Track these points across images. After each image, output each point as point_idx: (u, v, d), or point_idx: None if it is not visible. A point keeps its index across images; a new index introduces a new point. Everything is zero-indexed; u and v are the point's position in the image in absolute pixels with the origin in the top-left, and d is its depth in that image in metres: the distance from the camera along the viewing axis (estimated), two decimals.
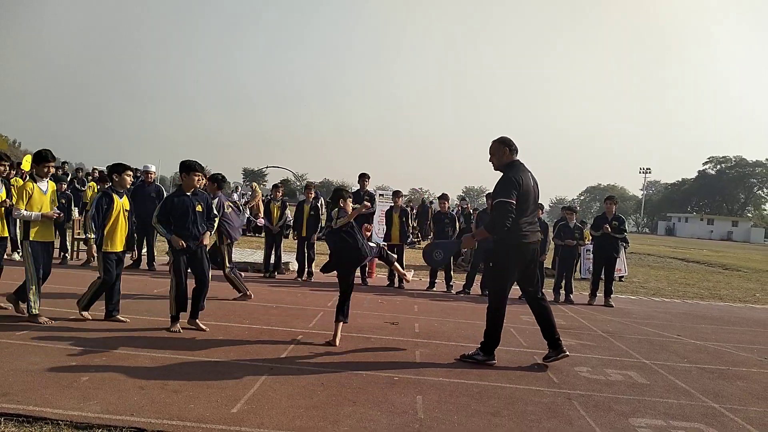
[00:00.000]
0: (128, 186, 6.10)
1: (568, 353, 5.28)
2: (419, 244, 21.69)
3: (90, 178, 17.45)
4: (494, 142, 5.37)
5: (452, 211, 11.58)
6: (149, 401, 3.69)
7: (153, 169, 10.73)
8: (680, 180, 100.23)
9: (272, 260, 10.59)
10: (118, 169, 6.00)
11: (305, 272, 10.29)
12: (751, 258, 29.75)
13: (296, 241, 10.67)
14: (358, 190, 10.55)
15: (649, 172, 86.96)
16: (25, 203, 5.56)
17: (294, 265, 11.15)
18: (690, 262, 23.36)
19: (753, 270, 20.68)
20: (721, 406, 4.45)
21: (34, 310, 5.61)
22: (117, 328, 5.54)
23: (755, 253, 36.53)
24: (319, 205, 10.59)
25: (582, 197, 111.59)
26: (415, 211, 19.75)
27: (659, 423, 3.98)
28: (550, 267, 11.80)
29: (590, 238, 10.49)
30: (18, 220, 5.75)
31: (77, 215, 11.56)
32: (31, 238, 5.61)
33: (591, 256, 11.16)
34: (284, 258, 11.12)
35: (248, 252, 13.18)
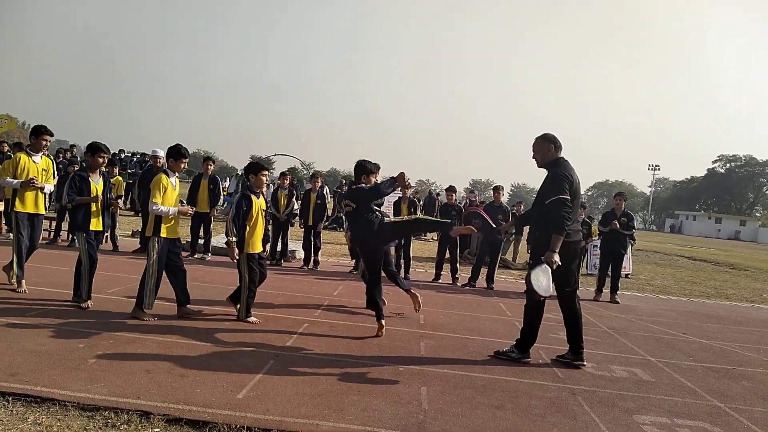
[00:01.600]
0: (264, 186, 5.95)
1: (585, 364, 5.13)
2: (425, 236, 21.69)
3: None
4: (538, 138, 5.22)
5: (459, 203, 11.55)
6: (156, 385, 3.71)
7: (161, 154, 10.73)
8: (689, 178, 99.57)
9: (279, 248, 10.62)
10: (254, 169, 5.86)
11: (311, 261, 10.32)
12: (758, 258, 29.58)
13: (303, 229, 10.68)
14: None
15: (658, 169, 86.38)
16: (161, 197, 5.49)
17: (300, 254, 11.17)
18: (697, 260, 23.26)
19: (760, 270, 20.57)
20: (726, 406, 4.43)
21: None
22: (124, 312, 5.56)
23: (763, 253, 36.32)
24: (325, 193, 10.59)
25: (590, 192, 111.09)
26: (421, 202, 19.71)
27: (664, 421, 3.97)
28: None
29: (597, 233, 10.46)
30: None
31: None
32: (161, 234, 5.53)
33: (598, 251, 11.13)
34: (291, 246, 11.14)
35: None
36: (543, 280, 4.92)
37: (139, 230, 10.83)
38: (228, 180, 25.91)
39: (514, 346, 5.26)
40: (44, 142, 6.10)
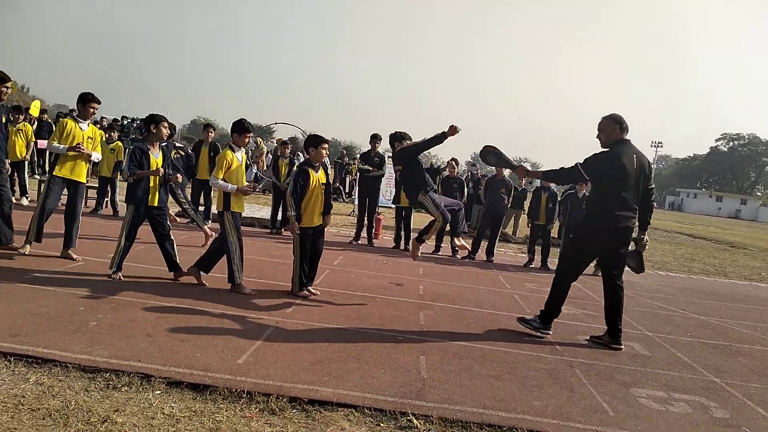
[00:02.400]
0: (323, 159, 5.78)
1: (623, 347, 5.05)
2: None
3: (98, 126, 17.41)
4: (604, 118, 5.09)
5: (461, 176, 11.50)
6: (157, 348, 3.73)
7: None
8: (691, 155, 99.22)
9: (279, 217, 10.61)
10: (314, 141, 5.68)
11: None
12: (758, 237, 29.63)
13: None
14: (368, 151, 10.48)
15: (661, 146, 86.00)
16: (223, 172, 5.44)
17: None
18: (696, 238, 23.29)
19: (759, 249, 20.62)
20: (723, 381, 4.47)
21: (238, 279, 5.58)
22: (125, 276, 5.56)
23: (763, 232, 36.37)
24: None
25: None
26: None
27: (660, 394, 4.00)
28: (556, 237, 11.76)
29: None
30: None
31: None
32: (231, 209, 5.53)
33: None
34: None
35: (256, 208, 13.20)
36: (495, 159, 5.69)
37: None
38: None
39: (537, 317, 5.26)
40: (91, 110, 6.01)
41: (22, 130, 10.24)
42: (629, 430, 3.34)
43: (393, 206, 12.53)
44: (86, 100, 5.96)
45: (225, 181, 5.46)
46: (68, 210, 6.07)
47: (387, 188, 17.07)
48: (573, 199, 9.79)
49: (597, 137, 5.16)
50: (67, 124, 5.94)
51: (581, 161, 5.06)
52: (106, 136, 11.02)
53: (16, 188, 10.51)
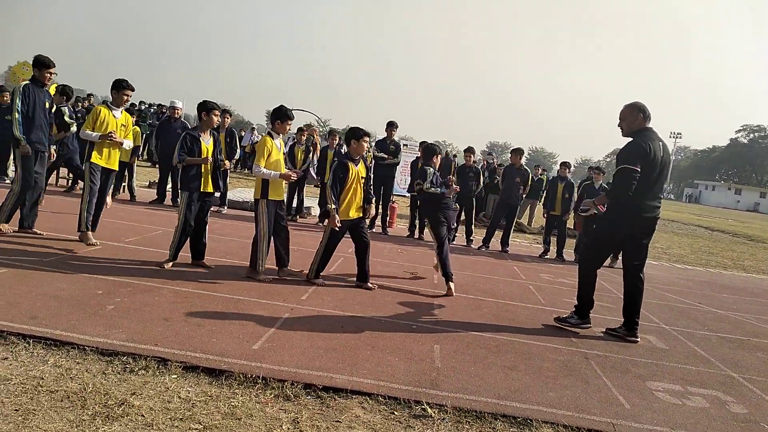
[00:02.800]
0: (363, 152, 5.74)
1: (639, 340, 5.00)
2: None
3: None
4: (626, 106, 4.99)
5: (477, 165, 11.44)
6: (173, 333, 3.76)
7: (179, 105, 10.71)
8: (710, 147, 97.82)
9: (294, 203, 10.64)
10: (357, 135, 5.65)
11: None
12: None
13: (319, 186, 10.67)
14: (384, 138, 10.44)
15: (680, 137, 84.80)
16: (265, 160, 5.46)
17: (316, 210, 11.20)
18: (714, 230, 23.03)
19: None
20: (740, 376, 4.42)
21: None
22: (142, 261, 5.61)
23: None
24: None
25: (608, 158, 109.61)
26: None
27: (677, 388, 3.97)
28: (572, 228, 11.68)
29: None
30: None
31: None
32: (268, 197, 5.53)
33: None
34: (306, 202, 11.15)
35: None
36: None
37: (156, 182, 10.86)
38: (244, 134, 25.84)
39: (573, 313, 5.18)
40: (125, 97, 6.03)
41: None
42: (645, 423, 3.31)
43: (408, 194, 12.50)
44: (120, 87, 5.98)
45: (266, 168, 5.46)
46: (99, 195, 6.06)
47: (402, 176, 17.07)
48: (589, 190, 9.70)
49: (619, 125, 5.06)
50: (100, 111, 5.94)
51: (623, 162, 4.80)
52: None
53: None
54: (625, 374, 4.12)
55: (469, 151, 10.68)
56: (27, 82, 5.96)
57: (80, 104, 17.58)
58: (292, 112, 5.70)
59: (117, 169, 6.21)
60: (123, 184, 10.61)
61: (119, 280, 4.84)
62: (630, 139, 4.98)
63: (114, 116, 6.01)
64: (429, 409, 3.14)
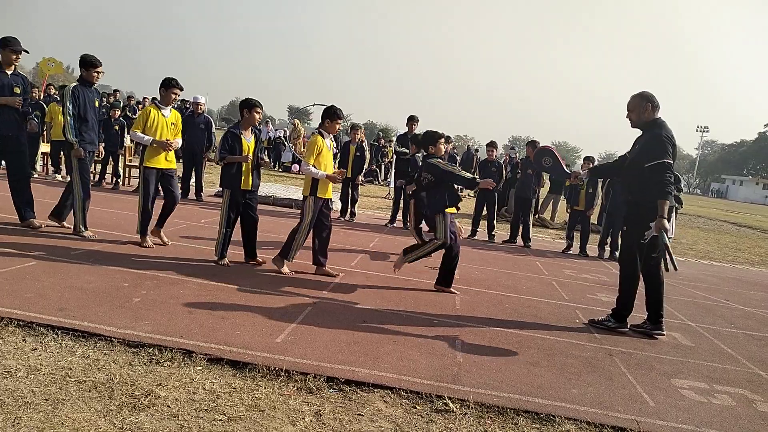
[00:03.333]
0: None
1: (665, 334, 4.96)
2: (462, 192, 21.54)
3: (140, 106, 17.75)
4: (634, 96, 4.90)
5: (499, 159, 11.37)
6: (198, 325, 3.81)
7: (202, 100, 10.82)
8: (738, 141, 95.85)
9: None
10: (435, 139, 5.62)
11: (348, 212, 10.36)
12: None
13: (341, 181, 10.69)
14: (405, 133, 10.42)
15: (707, 131, 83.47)
16: (314, 158, 5.48)
17: (337, 205, 11.23)
18: (742, 226, 22.60)
19: None
20: None
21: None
22: (166, 255, 5.69)
23: None
24: (364, 146, 10.54)
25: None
26: (459, 158, 19.47)
27: (702, 386, 3.91)
28: (596, 223, 11.54)
29: None
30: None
31: (129, 143, 11.80)
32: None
33: None
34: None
35: (293, 189, 13.29)
36: (551, 161, 5.44)
37: (180, 175, 10.99)
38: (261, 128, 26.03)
39: (610, 315, 5.10)
40: (174, 96, 6.03)
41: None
42: (670, 421, 3.27)
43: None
44: (169, 86, 5.99)
45: (315, 167, 5.49)
46: (168, 198, 6.11)
47: None
48: (615, 185, 9.58)
49: (627, 117, 4.97)
50: (150, 112, 5.94)
51: (664, 158, 4.66)
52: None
53: (63, 166, 10.82)
54: (649, 371, 4.07)
55: (492, 145, 10.61)
56: (75, 83, 5.99)
57: (104, 100, 17.85)
58: (340, 111, 5.69)
59: (175, 167, 6.18)
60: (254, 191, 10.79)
61: (144, 273, 4.91)
62: (639, 131, 4.92)
63: (163, 115, 6.00)
64: (451, 404, 3.14)
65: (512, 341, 4.37)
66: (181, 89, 6.10)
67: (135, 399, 2.77)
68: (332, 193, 5.87)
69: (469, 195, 21.00)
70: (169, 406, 2.74)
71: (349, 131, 11.75)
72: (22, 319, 3.54)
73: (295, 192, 12.60)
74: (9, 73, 5.92)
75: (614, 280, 7.56)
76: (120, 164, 11.28)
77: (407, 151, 10.10)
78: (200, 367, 3.24)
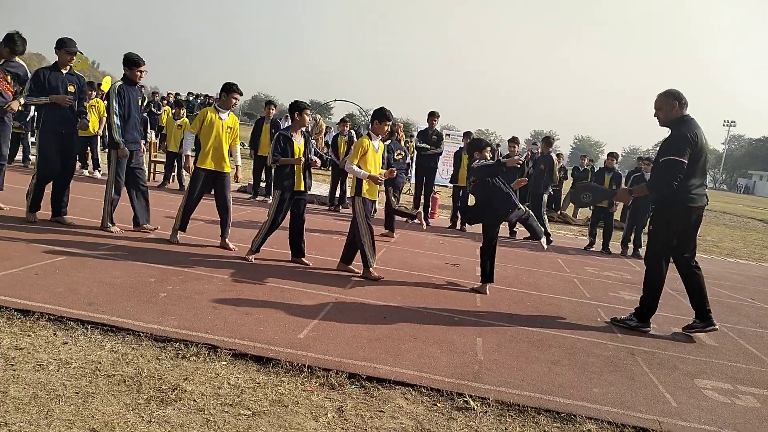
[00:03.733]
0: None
1: (717, 327, 4.92)
2: None
3: (165, 102, 17.97)
4: (661, 95, 4.85)
5: (521, 155, 11.30)
6: (222, 321, 3.88)
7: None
8: (766, 136, 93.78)
9: (338, 194, 10.74)
10: (480, 147, 5.75)
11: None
12: None
13: (382, 182, 10.77)
14: (426, 129, 10.42)
15: (734, 126, 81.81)
16: (358, 158, 5.52)
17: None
18: None
19: None
20: None
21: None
22: (191, 252, 5.79)
23: None
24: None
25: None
26: None
27: (726, 386, 3.88)
28: (619, 219, 11.45)
29: None
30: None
31: (153, 138, 11.98)
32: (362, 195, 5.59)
33: None
34: (349, 193, 11.23)
35: (314, 185, 13.36)
36: (590, 197, 5.55)
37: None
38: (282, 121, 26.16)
39: (633, 314, 5.07)
40: (233, 100, 6.05)
41: (94, 105, 10.64)
42: (692, 421, 3.26)
43: (450, 185, 12.46)
44: (230, 90, 5.99)
45: (359, 167, 5.53)
46: (219, 201, 6.13)
47: (444, 167, 16.98)
48: (639, 182, 9.49)
49: (655, 115, 4.92)
50: (207, 113, 5.98)
51: (672, 153, 4.64)
52: (173, 111, 11.39)
53: (89, 161, 11.01)
54: (672, 371, 4.05)
55: (514, 141, 10.55)
56: (120, 82, 6.07)
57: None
58: (388, 112, 5.69)
59: (228, 171, 6.13)
60: (173, 173, 10.93)
61: (170, 269, 5.00)
62: (668, 129, 4.85)
63: (221, 118, 6.00)
64: (471, 402, 3.16)
65: (533, 339, 4.37)
66: (241, 94, 6.13)
67: (162, 393, 2.84)
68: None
69: None
70: (195, 401, 2.81)
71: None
72: (53, 313, 3.64)
73: (317, 187, 12.68)
74: (64, 72, 6.03)
75: (637, 278, 7.52)
76: (144, 159, 11.43)
77: (428, 146, 10.10)
78: (225, 362, 3.30)
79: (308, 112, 5.78)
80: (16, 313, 3.59)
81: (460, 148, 10.54)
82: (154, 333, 3.54)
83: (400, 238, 8.28)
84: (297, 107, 5.73)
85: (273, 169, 5.72)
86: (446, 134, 16.87)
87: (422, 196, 10.32)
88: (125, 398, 2.75)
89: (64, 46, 5.96)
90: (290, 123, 6.00)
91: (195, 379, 3.03)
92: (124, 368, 3.06)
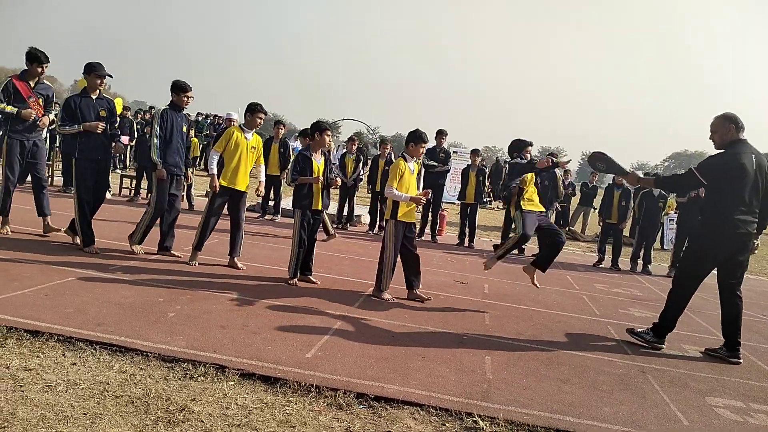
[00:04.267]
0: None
1: (741, 362, 4.79)
2: (491, 204, 21.44)
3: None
4: (718, 117, 4.82)
5: None
6: (230, 340, 3.88)
7: (235, 116, 11.02)
8: None
9: (345, 212, 10.77)
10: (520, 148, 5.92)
11: (377, 226, 10.41)
12: None
13: (369, 194, 10.79)
14: (434, 147, 10.46)
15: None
16: (397, 181, 5.53)
17: (366, 218, 11.29)
18: None
19: None
20: None
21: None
22: (200, 271, 5.81)
23: None
24: (393, 160, 10.60)
25: (666, 163, 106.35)
26: (488, 170, 19.40)
27: (738, 404, 3.83)
28: (628, 235, 11.39)
29: (674, 207, 10.05)
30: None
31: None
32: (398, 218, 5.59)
33: (675, 226, 10.70)
34: (357, 211, 11.27)
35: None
36: (604, 166, 5.58)
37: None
38: (291, 140, 26.31)
39: (649, 329, 5.03)
40: (259, 120, 6.09)
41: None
42: None
43: (458, 202, 12.46)
44: (255, 111, 6.05)
45: (398, 190, 5.54)
46: (233, 219, 6.18)
47: (452, 184, 17.00)
48: (648, 198, 9.47)
49: (710, 138, 4.89)
50: (233, 133, 6.04)
51: (696, 165, 4.80)
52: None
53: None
54: (683, 389, 4.00)
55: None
56: (166, 107, 6.10)
57: (139, 116, 18.34)
58: (424, 135, 5.76)
59: (245, 190, 6.20)
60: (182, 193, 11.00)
61: (178, 289, 5.02)
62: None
63: (246, 138, 6.06)
64: (480, 422, 3.13)
65: (542, 358, 4.34)
66: (266, 113, 6.17)
67: (170, 414, 2.83)
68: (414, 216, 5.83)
69: (498, 207, 20.89)
70: (202, 421, 2.80)
71: (378, 145, 11.82)
72: (62, 334, 3.65)
73: None
74: (94, 97, 6.06)
75: (647, 294, 7.48)
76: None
77: (436, 164, 10.13)
78: (233, 382, 3.30)
79: (329, 133, 5.83)
80: (25, 334, 3.60)
81: (468, 165, 10.56)
82: (163, 353, 3.54)
83: None
84: (318, 128, 5.79)
85: (294, 189, 5.74)
86: (454, 152, 16.93)
87: (430, 213, 10.33)
88: (133, 419, 2.75)
89: (94, 70, 5.97)
90: (298, 143, 6.06)
91: (203, 400, 3.03)
92: (132, 389, 3.07)
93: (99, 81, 6.03)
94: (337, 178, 6.01)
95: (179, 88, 6.09)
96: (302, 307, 4.94)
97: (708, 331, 5.76)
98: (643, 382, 4.05)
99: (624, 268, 9.64)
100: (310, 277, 5.91)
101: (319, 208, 5.78)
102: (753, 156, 4.67)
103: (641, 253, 9.64)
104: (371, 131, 66.20)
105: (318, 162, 5.77)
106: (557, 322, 5.48)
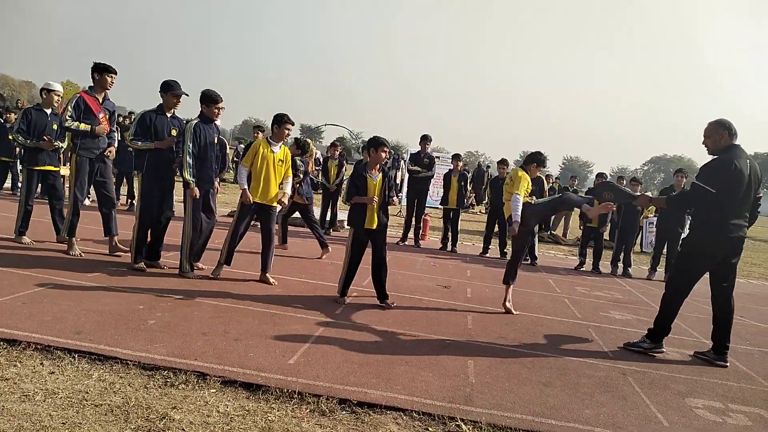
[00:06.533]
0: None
1: (727, 365, 4.84)
2: (473, 209, 21.55)
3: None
4: (711, 123, 4.85)
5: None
6: (211, 347, 3.85)
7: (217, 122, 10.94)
8: (765, 152, 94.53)
9: (328, 218, 10.75)
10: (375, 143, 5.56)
11: None
12: None
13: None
14: (418, 152, 10.49)
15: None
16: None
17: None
18: (757, 240, 22.35)
19: None
20: None
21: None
22: (180, 279, 5.76)
23: None
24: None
25: (645, 167, 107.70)
26: (470, 175, 19.50)
27: (717, 405, 3.88)
28: (608, 239, 11.50)
29: (653, 211, 10.17)
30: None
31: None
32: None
33: (654, 229, 10.83)
34: (340, 216, 11.26)
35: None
36: (612, 196, 5.68)
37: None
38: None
39: (645, 336, 5.05)
40: (286, 132, 5.90)
41: None
42: None
43: (441, 207, 12.50)
44: (281, 122, 5.86)
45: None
46: (264, 234, 6.03)
47: (435, 189, 17.04)
48: (629, 208, 9.58)
49: (703, 143, 4.93)
50: (260, 146, 5.85)
51: (696, 177, 4.79)
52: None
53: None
54: (663, 391, 4.05)
55: (503, 162, 10.64)
56: (197, 120, 5.82)
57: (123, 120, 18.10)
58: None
59: (275, 205, 6.01)
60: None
61: (159, 296, 4.97)
62: (714, 156, 4.87)
63: (272, 151, 5.87)
64: (463, 426, 3.14)
65: (525, 361, 4.37)
66: (293, 124, 6.01)
67: (150, 422, 2.80)
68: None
69: (480, 212, 21.00)
70: (183, 429, 2.77)
71: (361, 150, 11.82)
72: (40, 342, 3.59)
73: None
74: (169, 116, 5.95)
75: (627, 297, 7.56)
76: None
77: (420, 169, 10.16)
78: (214, 390, 3.27)
79: (386, 148, 5.55)
80: (2, 343, 3.54)
81: (450, 170, 10.60)
82: (142, 361, 3.50)
83: (390, 260, 8.25)
84: (375, 143, 5.53)
85: (349, 207, 5.61)
86: (436, 156, 16.98)
87: (413, 218, 10.35)
88: (113, 428, 2.71)
89: (171, 89, 5.87)
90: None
91: (183, 408, 3.00)
92: (111, 397, 3.03)
93: (175, 100, 5.93)
94: (394, 197, 5.77)
95: (210, 99, 5.81)
96: (285, 313, 4.92)
97: (687, 332, 5.83)
98: (624, 385, 4.09)
99: (605, 271, 9.73)
100: (387, 302, 5.66)
101: (373, 227, 5.53)
102: (747, 161, 4.74)
103: (621, 256, 9.75)
104: (354, 136, 66.21)
105: (374, 179, 5.53)
106: (539, 326, 5.51)
